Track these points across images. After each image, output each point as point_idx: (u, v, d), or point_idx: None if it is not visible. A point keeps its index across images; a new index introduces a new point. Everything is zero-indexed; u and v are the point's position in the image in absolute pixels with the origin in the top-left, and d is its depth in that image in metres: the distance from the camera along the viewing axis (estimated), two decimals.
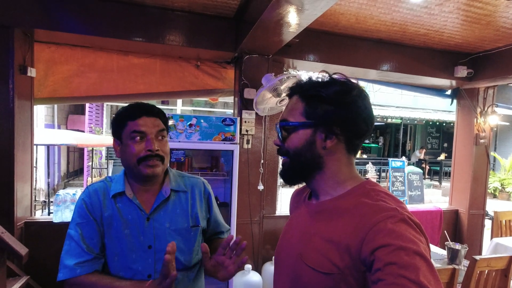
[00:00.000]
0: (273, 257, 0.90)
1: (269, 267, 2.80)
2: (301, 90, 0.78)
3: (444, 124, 12.89)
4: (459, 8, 2.29)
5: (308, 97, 0.75)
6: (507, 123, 10.54)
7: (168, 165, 1.13)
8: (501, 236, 3.22)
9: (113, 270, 1.04)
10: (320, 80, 0.76)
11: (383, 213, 0.64)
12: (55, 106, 7.69)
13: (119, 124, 1.05)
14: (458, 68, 3.25)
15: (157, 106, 1.11)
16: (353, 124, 0.73)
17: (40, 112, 7.15)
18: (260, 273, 2.82)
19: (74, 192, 2.55)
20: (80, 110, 8.99)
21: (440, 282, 0.57)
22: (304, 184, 0.84)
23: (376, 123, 11.74)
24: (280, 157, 0.83)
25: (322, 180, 0.77)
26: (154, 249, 1.05)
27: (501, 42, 2.95)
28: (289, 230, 0.86)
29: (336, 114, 0.72)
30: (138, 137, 1.02)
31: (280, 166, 0.86)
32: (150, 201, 1.08)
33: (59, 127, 8.01)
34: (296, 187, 0.95)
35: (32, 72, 2.34)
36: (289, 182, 0.83)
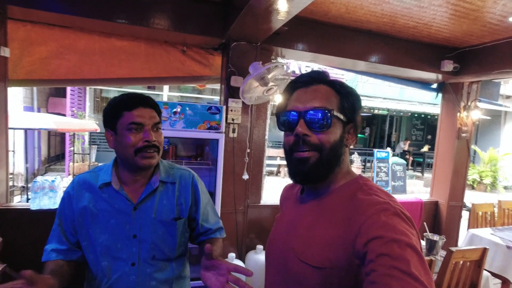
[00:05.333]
0: (264, 251, 0.89)
1: (253, 256, 2.82)
2: (330, 82, 0.77)
3: (428, 117, 13.16)
4: (448, 2, 2.29)
5: (343, 93, 0.76)
6: (489, 117, 10.84)
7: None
8: (477, 227, 3.35)
9: (97, 259, 1.05)
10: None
11: (376, 207, 0.65)
12: (34, 88, 7.37)
13: (113, 114, 1.04)
14: (445, 62, 3.27)
15: (143, 91, 1.10)
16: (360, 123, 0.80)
17: (19, 94, 6.84)
18: (243, 261, 2.84)
19: (53, 179, 2.47)
20: (62, 93, 8.64)
21: (430, 273, 0.57)
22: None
23: (363, 114, 11.86)
24: (283, 150, 0.79)
25: (334, 177, 0.76)
26: (139, 238, 1.06)
27: (487, 37, 2.98)
28: (281, 224, 0.86)
29: (359, 114, 0.78)
30: (135, 128, 1.01)
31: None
32: (138, 191, 1.09)
33: (39, 110, 7.70)
34: (287, 180, 0.90)
35: (5, 51, 2.21)
36: (308, 180, 0.76)
